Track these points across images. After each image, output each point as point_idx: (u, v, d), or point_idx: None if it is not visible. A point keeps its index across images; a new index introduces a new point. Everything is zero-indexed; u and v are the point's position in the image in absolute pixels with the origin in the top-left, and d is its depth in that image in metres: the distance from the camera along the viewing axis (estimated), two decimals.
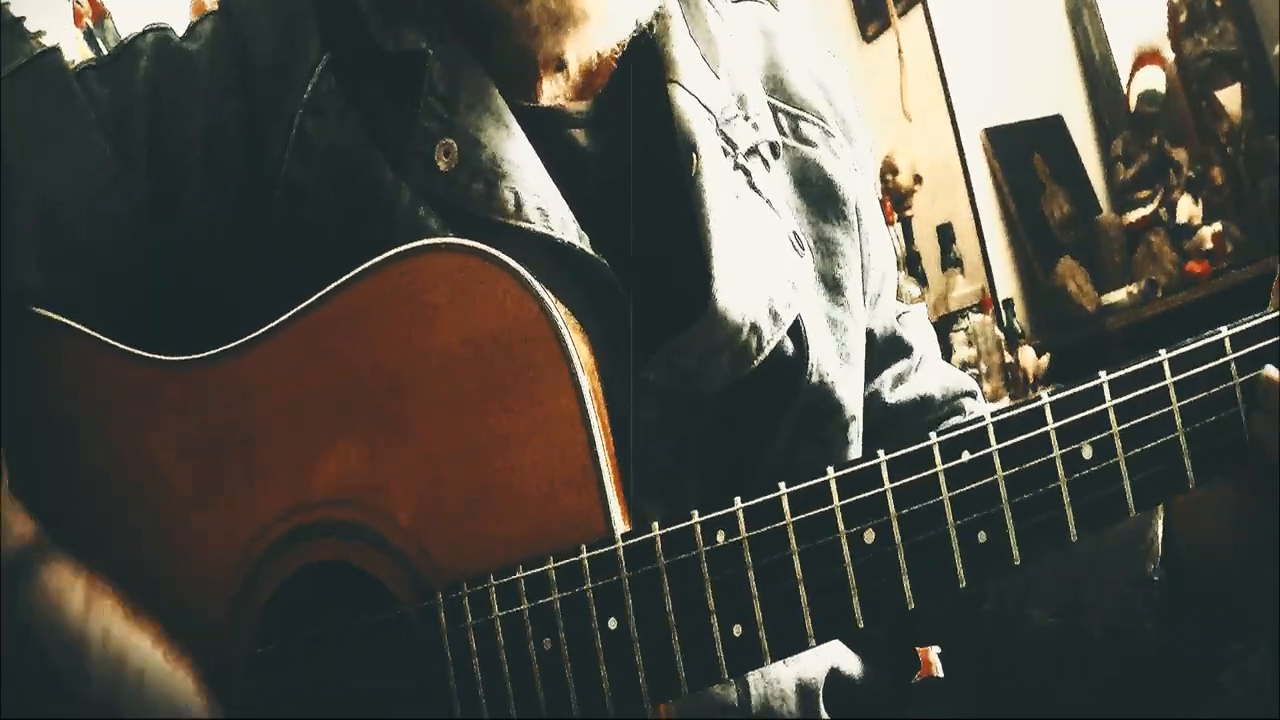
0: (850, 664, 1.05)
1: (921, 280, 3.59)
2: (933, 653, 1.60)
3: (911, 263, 3.60)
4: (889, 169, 3.63)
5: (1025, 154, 3.61)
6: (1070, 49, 3.72)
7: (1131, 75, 3.52)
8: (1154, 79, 3.45)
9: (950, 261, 3.62)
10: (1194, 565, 0.89)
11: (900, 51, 3.72)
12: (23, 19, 2.43)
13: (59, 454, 0.96)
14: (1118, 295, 3.45)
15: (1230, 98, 3.28)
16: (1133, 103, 3.51)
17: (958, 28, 3.64)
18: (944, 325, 3.42)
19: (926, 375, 1.18)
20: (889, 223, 3.43)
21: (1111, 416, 0.73)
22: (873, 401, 1.13)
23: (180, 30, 1.07)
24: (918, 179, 3.67)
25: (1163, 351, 0.74)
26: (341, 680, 0.91)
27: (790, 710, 0.99)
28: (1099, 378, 0.74)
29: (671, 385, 0.96)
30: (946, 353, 3.35)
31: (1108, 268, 3.53)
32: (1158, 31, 3.42)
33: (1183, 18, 3.33)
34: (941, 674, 1.45)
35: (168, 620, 0.91)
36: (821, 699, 1.02)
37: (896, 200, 3.63)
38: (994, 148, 3.62)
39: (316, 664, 0.91)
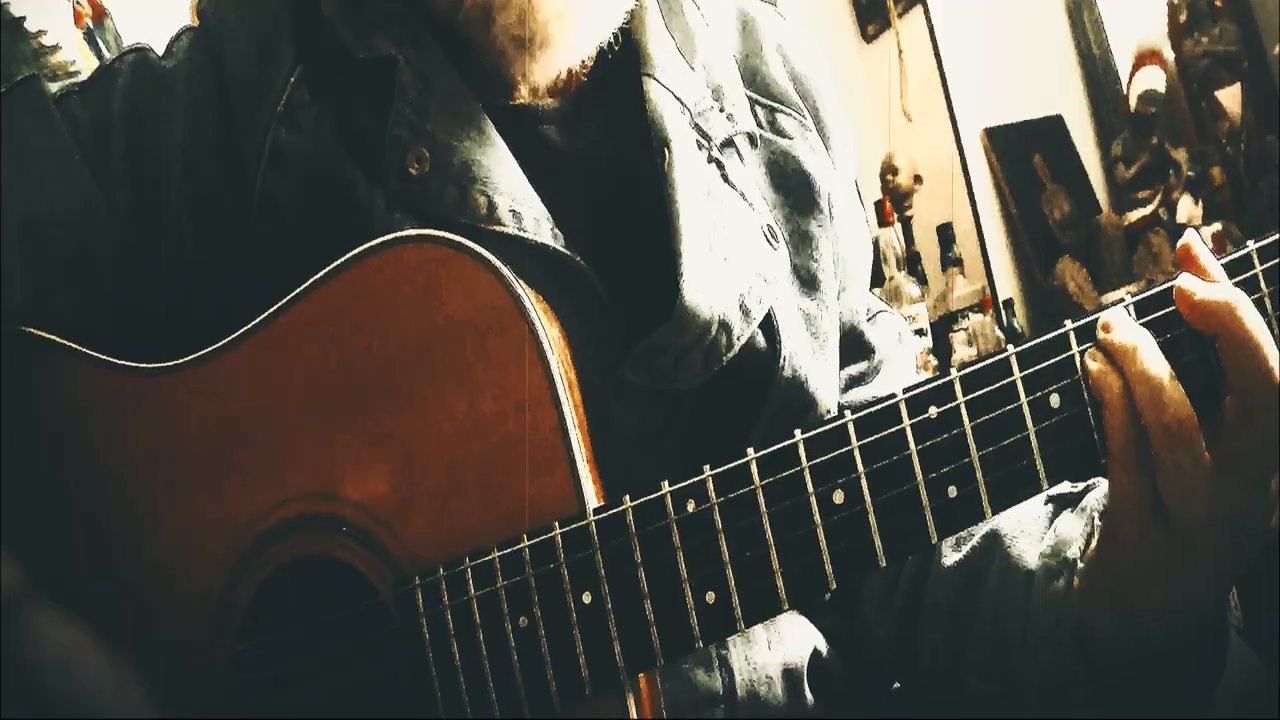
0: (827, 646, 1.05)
1: (921, 280, 3.58)
2: None
3: (911, 263, 3.59)
4: (889, 169, 3.62)
5: (1025, 154, 3.60)
6: (1070, 49, 3.71)
7: (1131, 75, 3.51)
8: (1154, 79, 3.45)
9: (950, 261, 3.61)
10: (1111, 652, 0.87)
11: (900, 51, 3.71)
12: (23, 19, 2.44)
13: (48, 464, 0.97)
14: (1118, 295, 3.43)
15: (1230, 98, 3.27)
16: (1133, 103, 3.50)
17: (958, 28, 3.63)
18: (944, 325, 3.41)
19: (885, 380, 1.16)
20: (889, 223, 3.42)
21: (1078, 363, 0.73)
22: None
23: (161, 48, 1.08)
24: (918, 179, 3.66)
25: (1126, 295, 0.74)
26: (324, 671, 0.91)
27: (776, 695, 0.99)
28: (1064, 325, 0.74)
29: (648, 383, 0.96)
30: (946, 353, 3.35)
31: (1108, 268, 3.53)
32: (1158, 31, 3.41)
33: (1183, 18, 3.32)
34: None
35: (155, 620, 0.92)
36: (806, 681, 1.02)
37: (896, 200, 3.63)
38: (994, 148, 3.61)
39: (300, 656, 0.91)
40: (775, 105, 1.12)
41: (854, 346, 1.15)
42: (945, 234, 3.63)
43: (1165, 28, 3.39)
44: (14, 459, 0.93)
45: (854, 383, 1.15)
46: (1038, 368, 0.73)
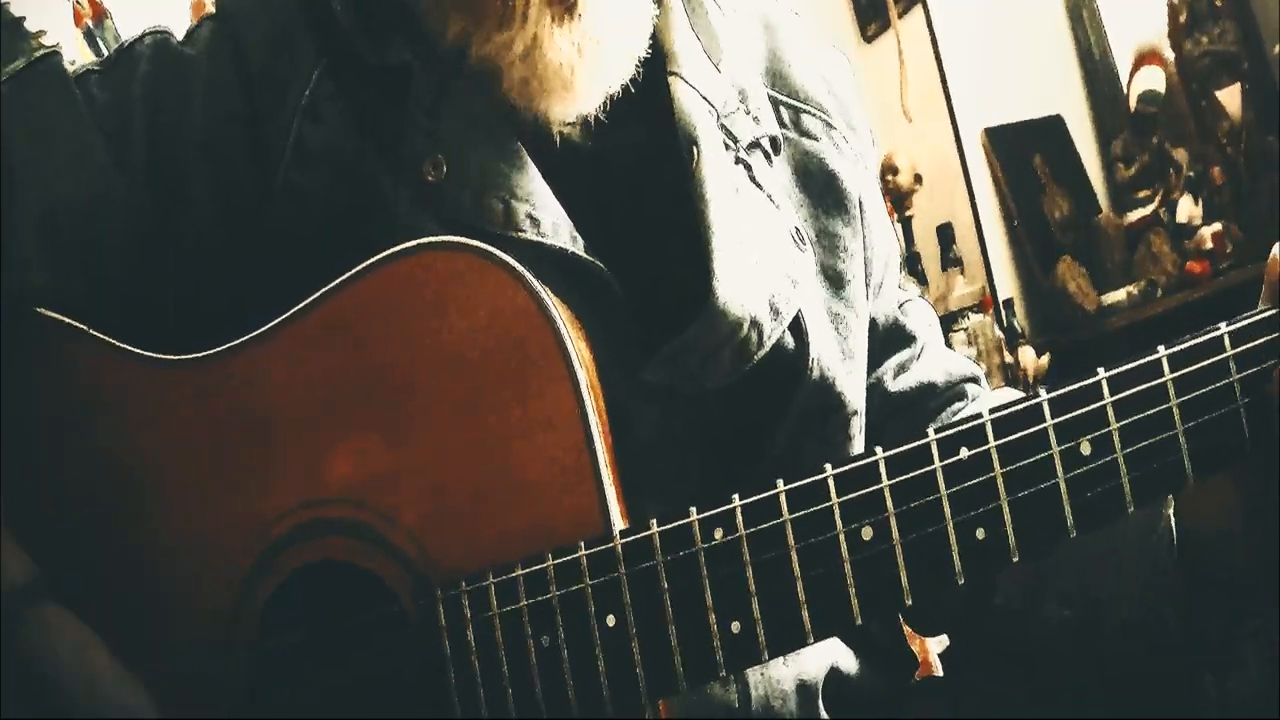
0: (849, 663, 1.05)
1: (921, 280, 3.59)
2: (932, 653, 1.60)
3: (911, 263, 3.60)
4: (889, 169, 3.62)
5: (1025, 154, 3.61)
6: (1070, 49, 3.71)
7: (1131, 75, 3.51)
8: (1154, 79, 3.45)
9: (950, 262, 3.62)
10: (1204, 551, 0.88)
11: (900, 52, 3.72)
12: (23, 19, 2.43)
13: (64, 453, 0.96)
14: (1118, 295, 3.45)
15: (1230, 97, 3.27)
16: (1132, 103, 3.50)
17: (958, 28, 3.64)
18: (944, 325, 3.37)
19: (929, 362, 1.17)
20: None
21: (1110, 413, 0.73)
22: (875, 390, 1.12)
23: (180, 35, 1.07)
24: (918, 179, 3.66)
25: (1161, 348, 0.73)
26: (342, 678, 0.91)
27: (791, 710, 0.99)
28: (1098, 374, 0.73)
29: (673, 384, 0.96)
30: None
31: (1108, 268, 3.53)
32: (1157, 31, 3.42)
33: (1183, 17, 3.32)
34: (941, 673, 1.45)
35: (169, 619, 0.91)
36: (821, 698, 1.02)
37: (896, 200, 3.63)
38: (994, 148, 3.61)
39: (317, 661, 0.91)
40: (800, 106, 1.12)
41: (896, 336, 1.17)
42: (945, 234, 3.64)
43: (1165, 28, 3.39)
44: (25, 447, 0.92)
45: (900, 370, 1.16)
46: (1070, 415, 0.73)
